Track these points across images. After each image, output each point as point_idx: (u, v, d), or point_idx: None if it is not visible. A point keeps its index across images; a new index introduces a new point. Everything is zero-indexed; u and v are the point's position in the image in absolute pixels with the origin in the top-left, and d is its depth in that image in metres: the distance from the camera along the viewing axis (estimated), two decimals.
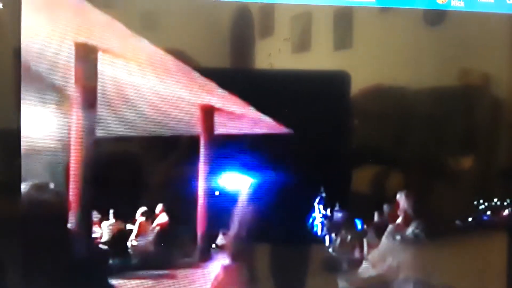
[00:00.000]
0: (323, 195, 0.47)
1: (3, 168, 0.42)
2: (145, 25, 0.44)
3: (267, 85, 0.45)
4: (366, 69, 0.48)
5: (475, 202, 0.49)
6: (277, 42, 0.46)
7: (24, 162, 0.42)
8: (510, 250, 0.50)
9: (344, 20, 0.47)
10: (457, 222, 0.49)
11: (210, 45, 0.46)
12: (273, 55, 0.45)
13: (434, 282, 0.49)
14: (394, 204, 0.48)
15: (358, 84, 0.47)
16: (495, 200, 0.49)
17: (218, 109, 0.45)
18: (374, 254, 0.48)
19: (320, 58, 0.47)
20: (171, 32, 0.45)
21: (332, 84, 0.47)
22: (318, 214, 0.47)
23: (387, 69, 0.48)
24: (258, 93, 0.45)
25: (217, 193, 0.45)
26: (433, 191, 0.50)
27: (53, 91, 0.43)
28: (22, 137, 0.42)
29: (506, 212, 0.50)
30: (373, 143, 0.49)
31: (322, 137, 0.47)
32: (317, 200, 0.47)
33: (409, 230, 0.49)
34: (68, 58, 0.43)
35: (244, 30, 0.45)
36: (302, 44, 0.47)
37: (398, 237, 0.49)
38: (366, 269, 0.48)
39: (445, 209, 0.49)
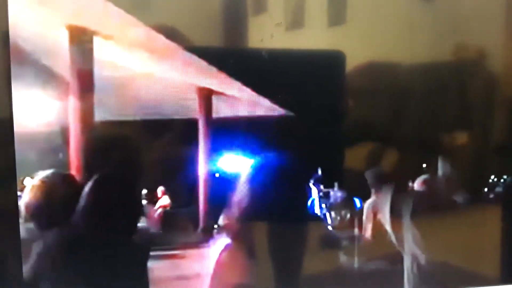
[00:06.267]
0: (321, 174, 0.47)
1: None
2: (139, 5, 0.43)
3: (263, 66, 0.45)
4: (360, 45, 0.47)
5: (472, 179, 0.50)
6: (269, 27, 0.45)
7: (20, 149, 0.41)
8: (506, 226, 0.51)
9: None
10: (455, 198, 0.50)
11: (207, 25, 0.45)
12: (265, 39, 0.45)
13: (432, 257, 0.50)
14: None
15: (353, 60, 0.46)
16: (492, 176, 0.50)
17: (215, 92, 0.45)
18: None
19: (314, 35, 0.46)
20: (167, 13, 0.44)
21: (327, 64, 0.46)
22: (317, 193, 0.48)
23: (381, 44, 0.47)
24: (254, 74, 0.44)
25: (217, 175, 0.46)
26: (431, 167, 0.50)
27: (47, 76, 0.42)
28: (19, 123, 0.41)
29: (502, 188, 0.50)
30: (369, 121, 0.49)
31: (320, 117, 0.47)
32: (315, 180, 0.47)
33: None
34: (62, 42, 0.42)
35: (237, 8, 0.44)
36: (296, 21, 0.46)
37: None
38: None
39: (443, 185, 0.50)
